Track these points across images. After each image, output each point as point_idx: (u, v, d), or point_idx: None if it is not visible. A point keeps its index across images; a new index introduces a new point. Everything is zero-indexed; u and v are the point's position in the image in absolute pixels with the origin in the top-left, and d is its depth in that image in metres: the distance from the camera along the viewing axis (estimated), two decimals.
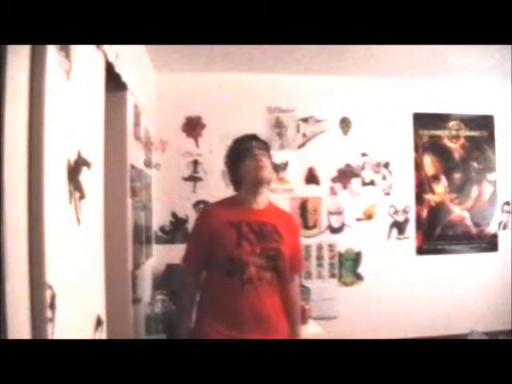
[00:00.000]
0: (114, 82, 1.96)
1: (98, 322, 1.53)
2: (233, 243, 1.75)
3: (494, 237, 3.87)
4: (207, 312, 1.78)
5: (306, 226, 3.62)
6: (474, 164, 3.89)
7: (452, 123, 3.86)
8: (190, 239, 1.98)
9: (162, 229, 3.44)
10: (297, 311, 1.98)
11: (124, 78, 2.04)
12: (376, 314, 3.54)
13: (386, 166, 3.74)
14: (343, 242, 3.66)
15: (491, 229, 3.87)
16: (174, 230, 3.45)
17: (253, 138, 1.93)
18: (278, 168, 3.56)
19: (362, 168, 3.71)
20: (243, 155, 1.85)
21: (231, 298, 1.74)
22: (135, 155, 2.49)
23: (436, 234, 3.80)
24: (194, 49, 2.83)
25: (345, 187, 3.68)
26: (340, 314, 3.54)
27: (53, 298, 1.09)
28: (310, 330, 2.80)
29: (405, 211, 3.75)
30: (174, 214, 3.46)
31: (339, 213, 3.67)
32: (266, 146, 1.91)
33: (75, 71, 1.31)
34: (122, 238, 2.17)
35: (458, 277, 3.76)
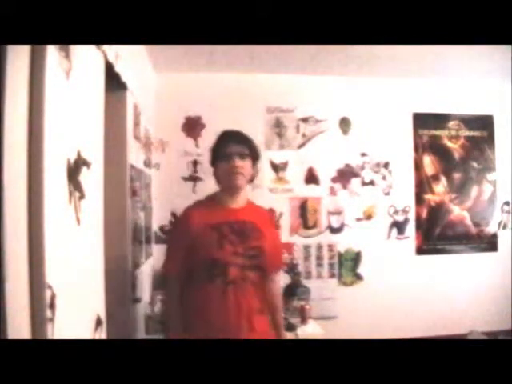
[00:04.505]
0: (113, 82, 1.96)
1: (98, 322, 1.53)
2: (214, 246, 1.70)
3: (494, 237, 3.87)
4: (191, 317, 1.74)
5: (306, 226, 3.62)
6: (474, 164, 3.89)
7: (452, 123, 3.86)
8: (169, 245, 1.89)
9: (161, 229, 3.44)
10: (279, 313, 1.94)
11: (124, 78, 2.04)
12: (376, 314, 3.54)
13: (386, 166, 3.74)
14: (343, 242, 3.66)
15: (491, 229, 3.88)
16: None
17: (235, 136, 1.81)
18: (278, 168, 3.57)
19: (362, 168, 3.71)
20: (220, 156, 1.77)
21: (215, 301, 1.70)
22: (135, 155, 2.49)
23: (436, 234, 3.80)
24: (194, 49, 2.83)
25: (344, 187, 3.68)
26: (340, 313, 3.54)
27: (53, 298, 1.09)
28: (310, 330, 2.81)
29: (404, 211, 3.76)
30: (173, 214, 3.45)
31: (339, 213, 3.67)
32: (249, 146, 1.79)
33: (75, 71, 1.31)
34: (121, 238, 2.17)
35: (457, 277, 3.76)
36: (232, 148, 1.75)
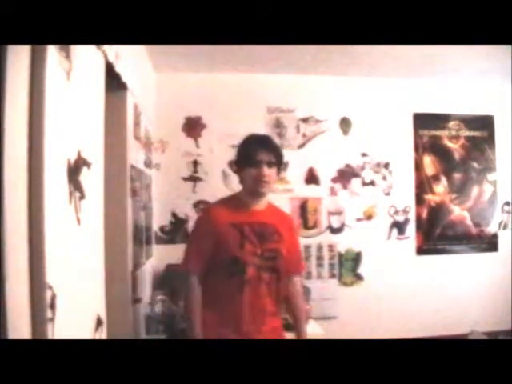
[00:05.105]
0: (114, 82, 1.96)
1: (98, 322, 1.53)
2: (236, 244, 1.74)
3: (494, 237, 3.87)
4: (206, 312, 1.76)
5: (306, 226, 3.62)
6: (474, 164, 3.89)
7: (452, 123, 3.86)
8: (191, 242, 1.90)
9: (162, 229, 3.44)
10: (301, 313, 1.97)
11: (124, 78, 2.04)
12: (376, 314, 3.54)
13: (386, 166, 3.74)
14: (343, 242, 3.66)
15: (491, 229, 3.87)
16: (174, 230, 3.45)
17: (263, 141, 1.84)
18: None
19: (362, 168, 3.71)
20: (247, 160, 1.79)
21: (231, 298, 1.74)
22: (135, 155, 2.49)
23: (436, 234, 3.80)
24: (194, 49, 2.83)
25: (345, 187, 3.68)
26: (340, 314, 3.54)
27: (53, 298, 1.09)
28: (310, 330, 2.80)
29: (405, 211, 3.75)
30: (174, 214, 3.46)
31: (339, 213, 3.67)
32: (276, 154, 1.81)
33: (75, 71, 1.31)
34: (122, 238, 2.17)
35: (458, 277, 3.76)
36: (261, 155, 1.76)
